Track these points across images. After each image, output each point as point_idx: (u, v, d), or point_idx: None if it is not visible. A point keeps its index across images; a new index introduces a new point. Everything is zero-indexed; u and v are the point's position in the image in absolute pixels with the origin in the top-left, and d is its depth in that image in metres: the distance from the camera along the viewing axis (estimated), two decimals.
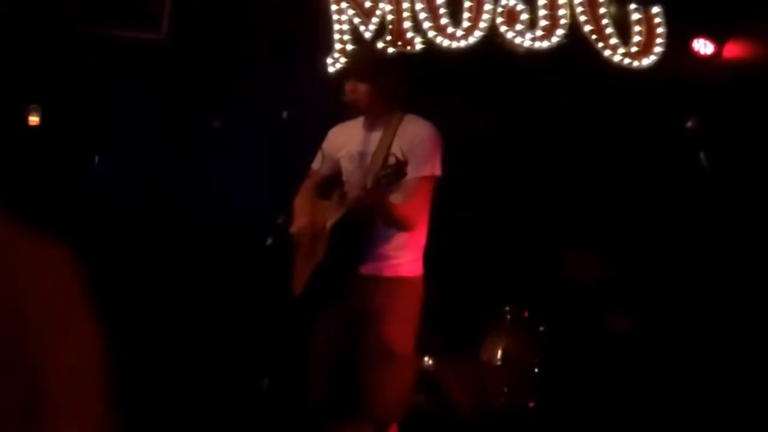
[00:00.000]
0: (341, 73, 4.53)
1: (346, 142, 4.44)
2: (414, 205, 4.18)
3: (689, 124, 5.68)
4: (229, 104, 6.34)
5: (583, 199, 6.02)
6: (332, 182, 4.48)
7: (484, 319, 5.43)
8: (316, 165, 4.54)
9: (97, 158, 6.21)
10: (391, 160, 3.92)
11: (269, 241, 4.49)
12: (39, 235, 1.55)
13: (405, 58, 6.06)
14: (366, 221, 4.16)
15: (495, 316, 5.39)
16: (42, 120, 6.23)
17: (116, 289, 5.13)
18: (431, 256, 4.41)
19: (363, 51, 5.62)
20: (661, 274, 5.86)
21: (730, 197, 5.77)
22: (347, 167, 4.39)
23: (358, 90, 4.28)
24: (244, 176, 6.14)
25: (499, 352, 5.28)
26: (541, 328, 5.36)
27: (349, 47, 6.26)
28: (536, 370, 5.30)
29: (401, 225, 4.19)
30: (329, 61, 6.29)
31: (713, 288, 5.76)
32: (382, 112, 4.32)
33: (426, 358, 5.23)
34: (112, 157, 6.27)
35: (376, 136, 4.30)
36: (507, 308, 5.39)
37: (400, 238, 4.23)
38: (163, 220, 6.17)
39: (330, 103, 6.04)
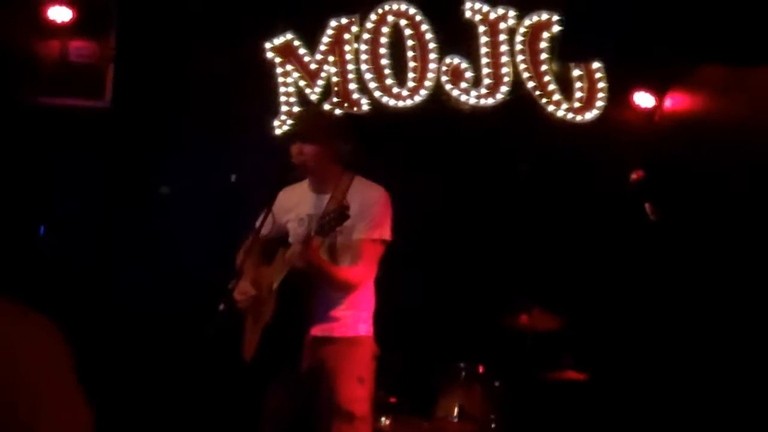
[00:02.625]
0: (288, 136, 4.67)
1: (295, 205, 4.58)
2: (361, 267, 4.35)
3: (633, 175, 5.97)
4: (176, 169, 6.47)
5: (531, 252, 6.24)
6: (278, 245, 4.59)
7: (438, 376, 5.57)
8: (264, 229, 4.60)
9: (42, 229, 6.30)
10: (331, 206, 4.11)
11: (221, 306, 4.57)
12: (24, 308, 1.65)
13: (352, 119, 6.26)
14: (311, 281, 4.28)
15: (449, 373, 5.54)
16: None
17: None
18: (383, 315, 4.56)
19: (309, 113, 5.72)
20: (612, 324, 6.09)
21: (675, 247, 6.03)
22: (296, 230, 4.53)
23: (304, 152, 4.43)
24: (193, 241, 6.25)
25: (456, 409, 5.41)
26: (497, 383, 5.52)
27: (296, 109, 6.47)
28: (493, 425, 5.44)
29: (343, 287, 4.36)
30: (276, 123, 6.51)
31: (663, 337, 6.00)
32: (329, 173, 4.49)
33: (383, 418, 5.33)
34: (58, 226, 6.35)
35: (326, 198, 4.45)
36: (461, 364, 5.54)
37: (347, 299, 4.39)
38: (111, 287, 6.26)
39: (277, 165, 6.26)
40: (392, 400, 5.39)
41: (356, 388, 4.33)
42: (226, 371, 5.36)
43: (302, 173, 4.58)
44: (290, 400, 4.41)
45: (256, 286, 4.46)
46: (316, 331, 4.37)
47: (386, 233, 4.42)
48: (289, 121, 6.42)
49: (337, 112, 6.36)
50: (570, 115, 6.36)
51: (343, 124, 4.86)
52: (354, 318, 4.41)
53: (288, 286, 4.28)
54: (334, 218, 4.05)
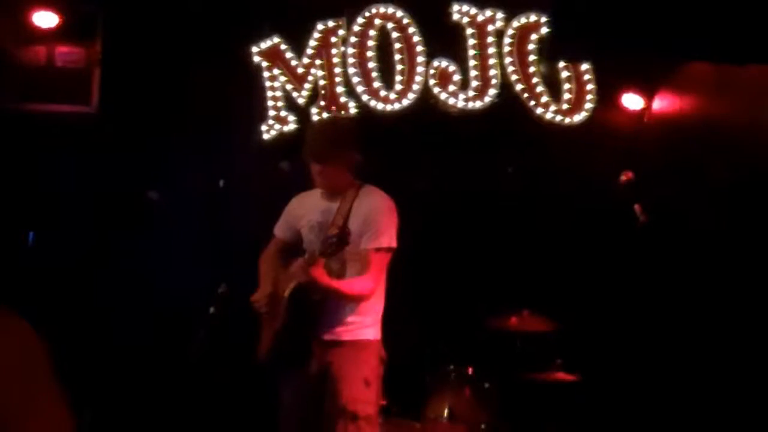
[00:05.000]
0: (307, 155, 4.66)
1: (308, 211, 4.79)
2: (368, 277, 4.55)
3: (622, 177, 6.17)
4: (164, 174, 6.63)
5: (520, 255, 6.43)
6: (295, 250, 4.78)
7: (428, 377, 5.75)
8: (278, 231, 4.91)
9: (31, 235, 6.45)
10: (334, 231, 4.40)
11: (211, 310, 4.80)
12: (3, 311, 1.67)
13: (361, 123, 6.31)
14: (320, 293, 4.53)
15: (439, 375, 5.73)
16: None
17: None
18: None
19: (327, 131, 5.00)
20: (602, 325, 6.28)
21: (665, 248, 6.23)
22: (307, 236, 4.75)
23: (325, 174, 4.64)
24: (182, 246, 6.42)
25: (445, 410, 5.59)
26: (486, 385, 5.71)
27: (283, 114, 6.64)
28: (483, 427, 5.61)
29: (353, 299, 4.57)
30: (263, 128, 6.68)
31: (652, 338, 6.20)
32: (341, 183, 4.69)
33: None
34: (47, 233, 6.50)
35: (335, 207, 4.66)
36: (451, 366, 5.72)
37: (356, 305, 4.60)
38: (99, 292, 6.41)
39: (266, 170, 6.46)
40: (382, 401, 5.57)
41: (361, 390, 4.53)
42: (231, 373, 5.60)
43: (319, 188, 4.76)
44: (302, 401, 4.62)
45: (275, 289, 4.65)
46: (325, 334, 4.59)
47: (392, 241, 4.60)
48: (285, 129, 6.59)
49: (325, 115, 6.52)
50: (558, 117, 6.54)
51: (356, 134, 4.91)
52: (361, 323, 4.62)
53: (298, 295, 4.50)
54: (336, 243, 4.31)
